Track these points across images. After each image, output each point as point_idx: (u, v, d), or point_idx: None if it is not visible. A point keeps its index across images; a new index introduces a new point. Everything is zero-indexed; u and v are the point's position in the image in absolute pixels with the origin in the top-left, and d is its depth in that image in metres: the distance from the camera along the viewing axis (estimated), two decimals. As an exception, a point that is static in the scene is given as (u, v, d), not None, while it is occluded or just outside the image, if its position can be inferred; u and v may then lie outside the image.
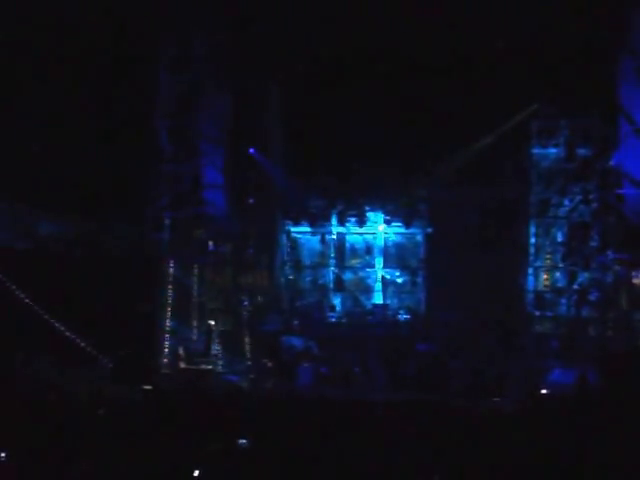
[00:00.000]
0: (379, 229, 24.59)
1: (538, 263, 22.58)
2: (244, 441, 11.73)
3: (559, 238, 22.38)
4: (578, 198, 21.85)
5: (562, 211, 22.21)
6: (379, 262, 24.62)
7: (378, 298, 24.38)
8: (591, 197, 21.66)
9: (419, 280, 24.32)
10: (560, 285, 22.18)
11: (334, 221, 24.71)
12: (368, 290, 24.66)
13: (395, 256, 24.64)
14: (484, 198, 23.03)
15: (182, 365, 20.44)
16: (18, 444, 11.00)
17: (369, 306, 24.39)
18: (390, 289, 24.40)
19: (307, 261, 25.15)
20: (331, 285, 24.78)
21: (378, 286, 24.46)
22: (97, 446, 11.35)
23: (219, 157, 22.18)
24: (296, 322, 23.00)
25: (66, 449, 11.08)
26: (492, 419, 14.46)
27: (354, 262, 24.99)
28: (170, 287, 20.68)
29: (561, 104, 21.53)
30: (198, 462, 10.65)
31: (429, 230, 24.09)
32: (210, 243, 21.87)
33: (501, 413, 15.90)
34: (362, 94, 22.00)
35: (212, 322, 21.09)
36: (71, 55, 20.09)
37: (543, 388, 18.51)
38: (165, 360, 20.26)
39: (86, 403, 14.47)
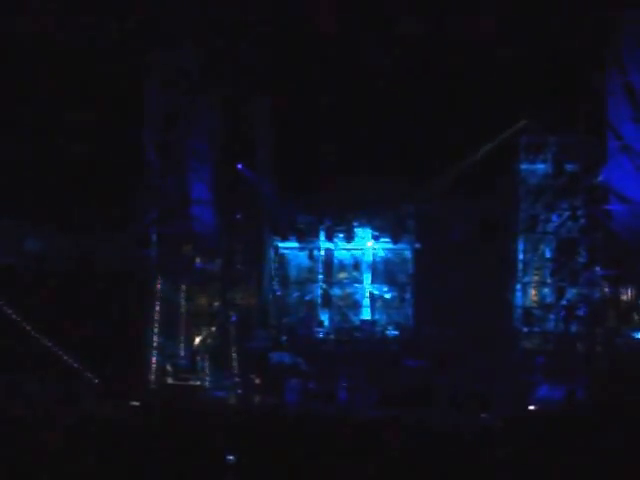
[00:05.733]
0: (367, 245, 24.57)
1: (526, 279, 22.56)
2: (231, 457, 11.69)
3: (547, 254, 22.40)
4: (566, 214, 21.84)
5: (550, 227, 22.21)
6: (367, 278, 24.58)
7: (366, 314, 24.34)
8: (579, 213, 21.66)
9: (407, 296, 24.30)
10: (548, 301, 22.16)
11: (322, 237, 24.69)
12: (356, 306, 24.62)
13: (383, 272, 24.61)
14: (472, 214, 23.02)
15: (169, 381, 20.36)
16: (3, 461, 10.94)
17: (357, 322, 24.33)
18: (378, 305, 24.37)
19: (295, 277, 25.10)
20: (319, 301, 24.72)
21: (366, 302, 24.42)
22: (84, 463, 11.29)
23: (207, 173, 22.11)
24: (284, 338, 22.96)
25: (52, 466, 11.01)
26: (480, 435, 14.44)
27: (342, 278, 24.95)
28: (157, 303, 20.60)
29: (549, 120, 21.56)
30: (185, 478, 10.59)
31: (417, 246, 24.10)
32: (198, 259, 21.80)
33: (489, 429, 15.86)
34: (351, 111, 22.03)
35: (199, 338, 21.03)
36: (60, 71, 20.06)
37: (531, 404, 18.47)
38: (152, 376, 20.17)
39: (73, 420, 14.39)
